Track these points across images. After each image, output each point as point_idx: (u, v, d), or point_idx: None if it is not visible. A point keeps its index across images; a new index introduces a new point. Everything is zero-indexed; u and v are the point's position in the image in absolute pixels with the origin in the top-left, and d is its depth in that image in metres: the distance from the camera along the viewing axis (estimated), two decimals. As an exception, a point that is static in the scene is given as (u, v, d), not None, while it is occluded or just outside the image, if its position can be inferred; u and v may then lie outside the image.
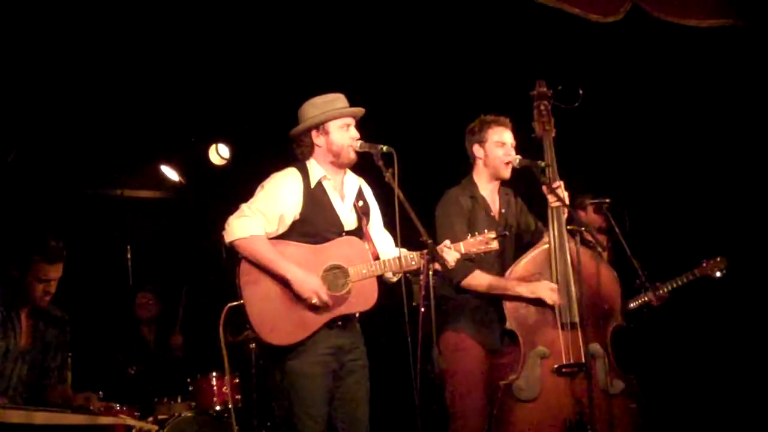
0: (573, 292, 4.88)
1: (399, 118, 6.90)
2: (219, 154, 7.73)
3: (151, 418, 5.80)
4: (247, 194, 4.52)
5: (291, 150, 4.63)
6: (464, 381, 4.93)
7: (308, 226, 4.45)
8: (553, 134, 5.13)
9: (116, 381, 6.50)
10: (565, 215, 4.98)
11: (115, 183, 7.74)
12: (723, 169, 6.92)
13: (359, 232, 4.56)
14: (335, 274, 4.40)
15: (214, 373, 6.25)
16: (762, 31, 6.18)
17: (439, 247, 4.33)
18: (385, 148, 4.35)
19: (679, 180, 7.07)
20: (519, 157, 5.05)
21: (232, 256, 4.41)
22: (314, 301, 4.32)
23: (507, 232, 4.80)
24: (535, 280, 4.93)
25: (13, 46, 5.90)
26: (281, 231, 4.44)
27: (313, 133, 4.53)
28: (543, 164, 5.02)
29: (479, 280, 4.93)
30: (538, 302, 4.90)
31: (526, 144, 5.18)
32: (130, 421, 4.44)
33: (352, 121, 4.56)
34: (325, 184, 4.53)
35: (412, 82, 7.03)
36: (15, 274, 4.44)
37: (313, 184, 4.49)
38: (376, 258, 4.53)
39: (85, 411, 4.29)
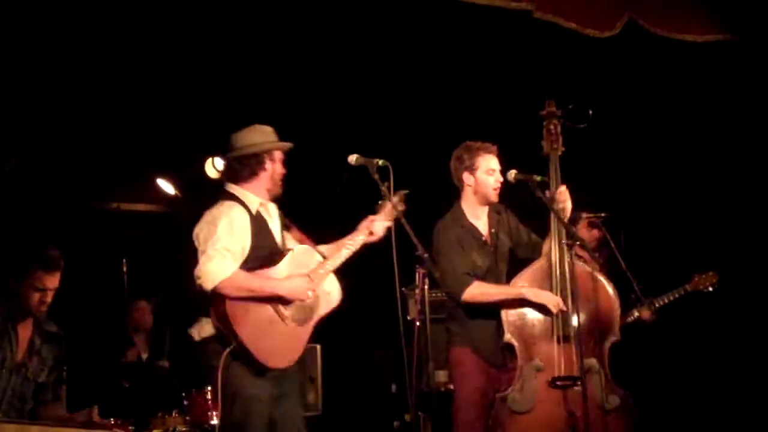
0: (570, 305, 4.89)
1: (395, 132, 6.93)
2: (215, 167, 7.72)
3: (145, 432, 5.78)
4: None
5: (230, 171, 4.68)
6: (465, 398, 4.98)
7: (259, 251, 4.53)
8: (560, 152, 5.15)
9: (110, 394, 6.48)
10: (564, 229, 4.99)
11: (112, 196, 7.73)
12: (717, 183, 6.94)
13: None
14: None
15: (209, 387, 6.23)
16: (757, 47, 6.20)
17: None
18: (380, 162, 4.43)
19: (673, 194, 7.08)
20: (515, 171, 5.06)
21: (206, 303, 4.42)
22: (311, 294, 4.50)
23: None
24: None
25: (11, 58, 5.91)
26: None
27: (253, 159, 4.61)
28: (539, 178, 5.04)
29: (481, 289, 4.97)
30: (537, 315, 4.94)
31: (532, 161, 5.20)
32: (124, 435, 4.43)
33: (281, 155, 4.68)
34: (261, 210, 4.63)
35: (412, 97, 7.06)
36: (12, 284, 4.43)
37: (254, 212, 4.59)
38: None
39: (82, 425, 4.29)
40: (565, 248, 4.92)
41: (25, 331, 4.50)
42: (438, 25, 6.37)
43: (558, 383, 4.86)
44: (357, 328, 7.21)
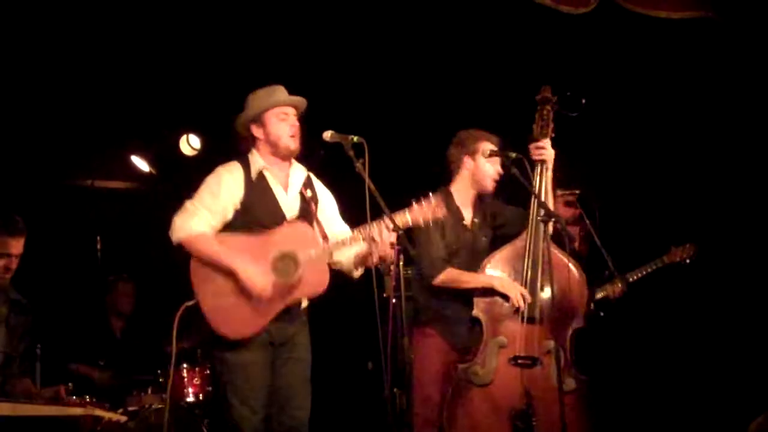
0: (539, 288, 5.03)
1: (372, 109, 6.92)
2: (190, 144, 7.68)
3: (120, 410, 5.76)
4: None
5: (235, 144, 4.70)
6: (425, 375, 5.08)
7: (249, 215, 4.53)
8: (549, 137, 5.15)
9: (85, 373, 6.47)
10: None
11: (86, 173, 7.68)
12: (692, 157, 6.96)
13: (306, 219, 4.61)
14: (286, 263, 4.44)
15: (185, 365, 6.24)
16: (732, 23, 6.21)
17: (377, 224, 4.33)
18: (355, 138, 4.38)
19: (648, 169, 7.10)
20: (490, 146, 5.15)
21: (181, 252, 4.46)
22: (264, 293, 4.36)
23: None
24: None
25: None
26: (226, 222, 4.52)
27: (253, 126, 4.63)
28: (514, 155, 5.04)
29: (452, 275, 5.11)
30: (506, 296, 5.05)
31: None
32: (99, 412, 4.41)
33: (291, 110, 4.63)
34: (266, 173, 4.61)
35: (388, 73, 7.04)
36: None
37: (254, 175, 4.59)
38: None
39: (53, 402, 4.26)
40: (542, 227, 4.93)
41: None
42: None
43: (519, 361, 5.00)
44: (332, 305, 7.21)
